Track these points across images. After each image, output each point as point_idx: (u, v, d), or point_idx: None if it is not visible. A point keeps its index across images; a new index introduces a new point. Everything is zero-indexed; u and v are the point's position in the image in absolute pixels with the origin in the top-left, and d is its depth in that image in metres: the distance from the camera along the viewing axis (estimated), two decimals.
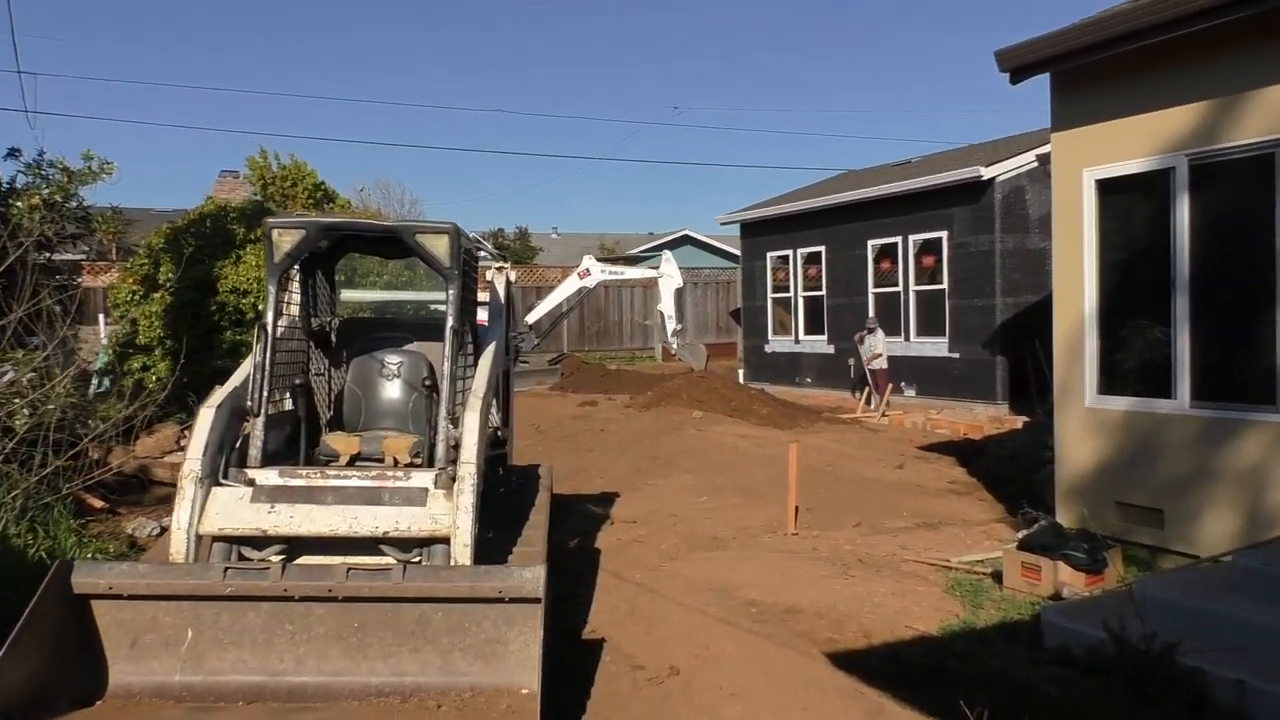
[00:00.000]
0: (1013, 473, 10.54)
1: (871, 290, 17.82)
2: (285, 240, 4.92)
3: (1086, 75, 7.08)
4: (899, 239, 17.27)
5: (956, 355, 16.19)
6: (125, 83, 70.76)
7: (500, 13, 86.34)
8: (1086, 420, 7.25)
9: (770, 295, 20.87)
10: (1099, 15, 6.77)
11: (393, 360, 5.75)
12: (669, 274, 17.95)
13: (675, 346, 18.50)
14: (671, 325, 18.14)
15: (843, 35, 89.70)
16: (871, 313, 17.44)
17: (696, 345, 19.43)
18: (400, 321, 6.76)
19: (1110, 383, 7.12)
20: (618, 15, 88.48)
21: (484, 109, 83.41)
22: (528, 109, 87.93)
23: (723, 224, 23.05)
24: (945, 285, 16.36)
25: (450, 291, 5.05)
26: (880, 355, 16.39)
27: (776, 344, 20.75)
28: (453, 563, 4.42)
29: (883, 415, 15.94)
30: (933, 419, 15.53)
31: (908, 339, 17.03)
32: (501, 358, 6.16)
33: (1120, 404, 7.02)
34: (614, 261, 19.15)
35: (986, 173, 15.42)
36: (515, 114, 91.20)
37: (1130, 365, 7.03)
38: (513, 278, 6.57)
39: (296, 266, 5.41)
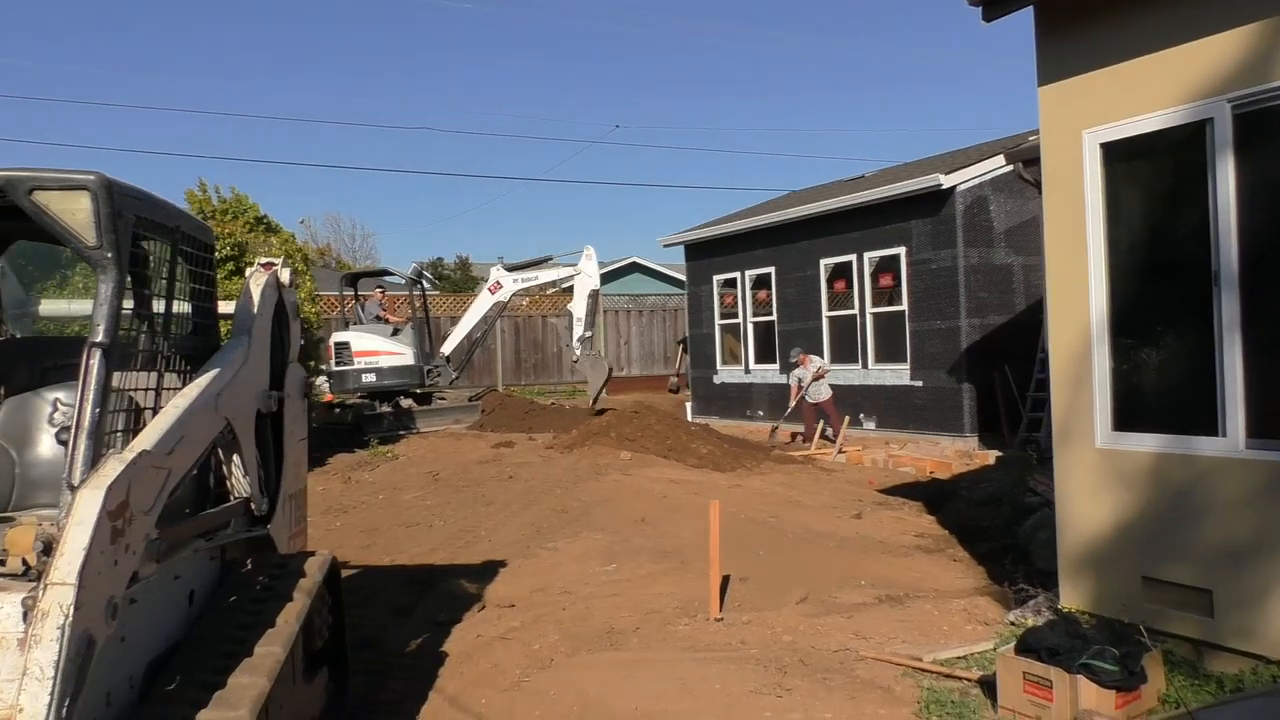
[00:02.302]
0: (991, 522, 8.95)
1: (825, 314, 16.21)
2: None
3: (1083, 2, 5.31)
4: (853, 257, 15.66)
5: (919, 383, 14.48)
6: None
7: (427, 32, 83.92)
8: (1098, 466, 5.39)
9: (718, 322, 19.24)
10: None
11: (67, 401, 3.75)
12: (587, 272, 15.63)
13: (578, 354, 16.10)
14: (579, 330, 15.83)
15: (792, 52, 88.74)
16: (826, 338, 15.78)
17: (601, 359, 16.55)
18: None
19: (1131, 415, 5.25)
20: (553, 26, 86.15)
21: (414, 126, 79.95)
22: (457, 127, 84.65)
23: (666, 246, 21.31)
24: (905, 306, 14.72)
25: (101, 285, 3.07)
26: (817, 382, 14.81)
27: (726, 374, 18.99)
28: None
29: (839, 451, 14.11)
30: (895, 455, 13.80)
31: (865, 366, 15.33)
32: (255, 394, 4.17)
33: (1146, 444, 5.15)
34: (524, 267, 16.42)
35: (946, 181, 13.88)
36: (447, 132, 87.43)
37: (1158, 391, 5.19)
38: (285, 279, 4.57)
39: None
